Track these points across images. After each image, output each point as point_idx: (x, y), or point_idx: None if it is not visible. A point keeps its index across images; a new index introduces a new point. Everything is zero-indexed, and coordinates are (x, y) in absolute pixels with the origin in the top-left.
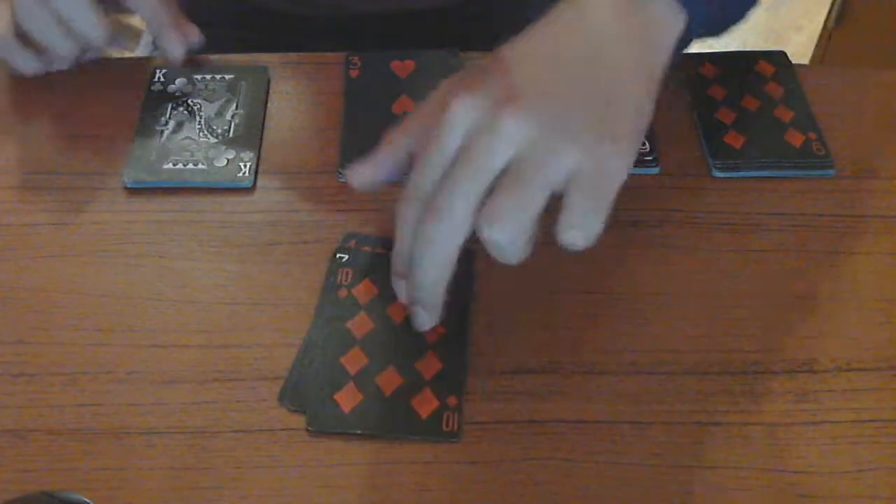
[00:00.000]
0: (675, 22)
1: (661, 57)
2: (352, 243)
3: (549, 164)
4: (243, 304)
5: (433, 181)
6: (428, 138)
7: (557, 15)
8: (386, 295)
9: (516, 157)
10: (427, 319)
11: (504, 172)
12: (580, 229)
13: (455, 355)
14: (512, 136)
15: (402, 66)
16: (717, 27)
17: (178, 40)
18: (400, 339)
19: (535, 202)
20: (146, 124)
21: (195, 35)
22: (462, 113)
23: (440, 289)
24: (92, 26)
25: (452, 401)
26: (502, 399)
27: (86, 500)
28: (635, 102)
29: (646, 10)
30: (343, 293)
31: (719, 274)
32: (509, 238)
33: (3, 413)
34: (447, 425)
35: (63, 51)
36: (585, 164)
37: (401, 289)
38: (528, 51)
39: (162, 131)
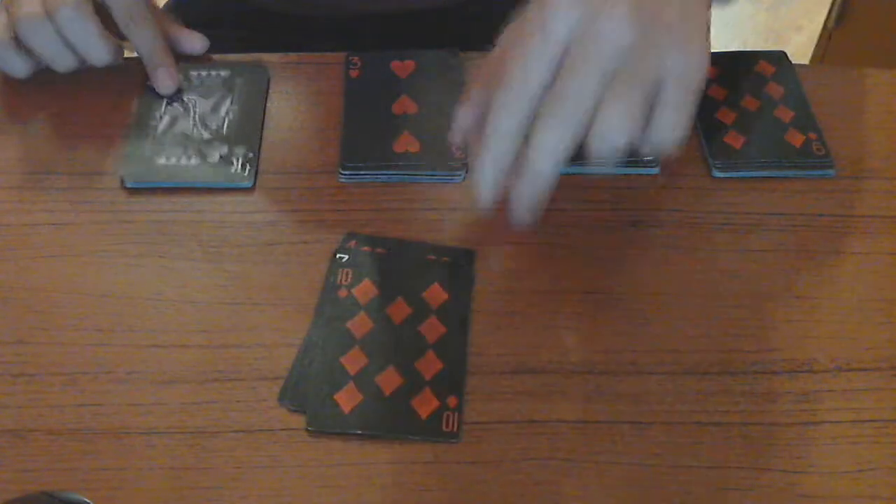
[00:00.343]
0: None
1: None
2: (351, 243)
3: (652, 62)
4: (243, 304)
5: (541, 70)
6: (529, 35)
7: None
8: (386, 295)
9: (621, 58)
10: (526, 213)
11: (614, 75)
12: (674, 128)
13: (455, 355)
14: (621, 32)
15: (402, 66)
16: None
17: (170, 79)
18: (400, 339)
19: (642, 102)
20: (141, 120)
21: (200, 43)
22: (565, 9)
23: (552, 176)
24: (98, 51)
25: (452, 401)
26: (502, 399)
27: (86, 500)
28: (702, 11)
29: None
30: (343, 293)
31: (719, 274)
32: (615, 142)
33: (3, 413)
34: (447, 425)
35: (63, 65)
36: (678, 61)
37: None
38: None
39: (156, 127)
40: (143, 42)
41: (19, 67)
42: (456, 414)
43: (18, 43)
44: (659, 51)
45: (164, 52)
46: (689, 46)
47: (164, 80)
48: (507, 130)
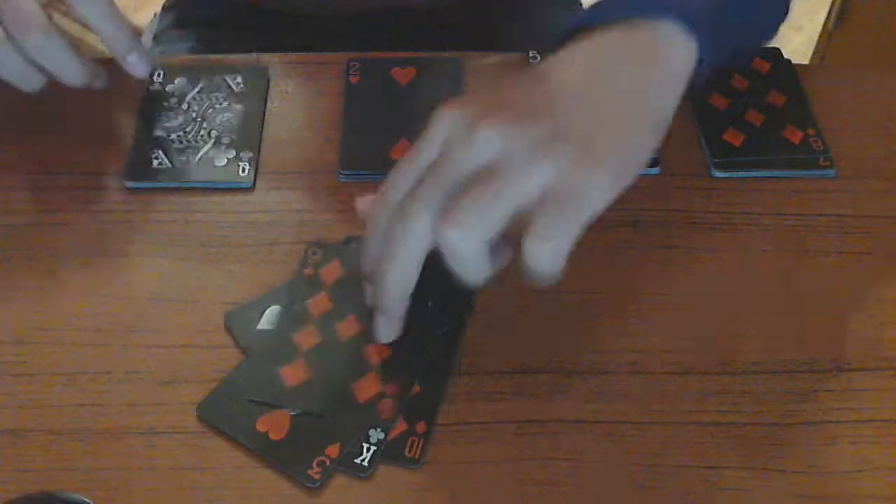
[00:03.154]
0: (687, 58)
1: (668, 97)
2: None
3: (518, 176)
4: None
5: (406, 187)
6: (419, 139)
7: (570, 48)
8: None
9: (486, 168)
10: (388, 330)
11: (473, 180)
12: (540, 246)
13: (435, 382)
14: (482, 146)
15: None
16: (732, 58)
17: (143, 63)
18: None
19: (497, 211)
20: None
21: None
22: (442, 122)
23: (403, 296)
24: (72, 71)
25: (421, 427)
26: (503, 399)
27: (86, 500)
28: (629, 137)
29: (656, 50)
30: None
31: (719, 274)
32: (465, 243)
33: (3, 413)
34: (410, 451)
35: (31, 87)
36: (558, 183)
37: (368, 294)
38: (530, 75)
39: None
40: (99, 19)
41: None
42: (421, 441)
43: None
44: (529, 167)
45: (128, 31)
46: (575, 171)
47: (137, 65)
48: (374, 241)
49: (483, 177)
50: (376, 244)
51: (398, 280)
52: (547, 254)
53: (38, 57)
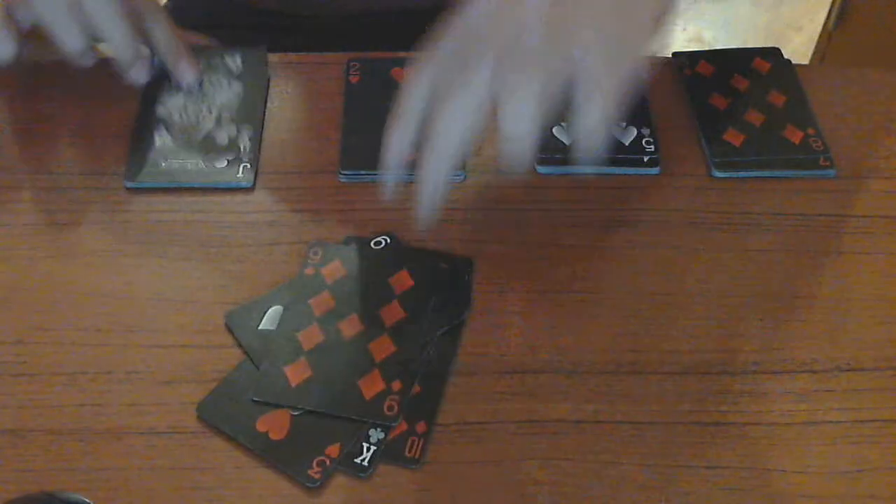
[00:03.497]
0: None
1: None
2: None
3: (562, 40)
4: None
5: (453, 51)
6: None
7: None
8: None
9: (529, 35)
10: (432, 203)
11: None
12: (594, 107)
13: (435, 382)
14: (527, 12)
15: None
16: None
17: (194, 69)
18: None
19: (550, 75)
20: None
21: (197, 39)
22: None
23: (461, 146)
24: (116, 30)
25: (421, 427)
26: (503, 399)
27: (86, 500)
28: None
29: None
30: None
31: (719, 274)
32: (523, 93)
33: (3, 413)
34: (410, 451)
35: (74, 44)
36: (600, 39)
37: (387, 189)
38: None
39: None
40: (159, 29)
41: (3, 49)
42: (421, 441)
43: (9, 20)
44: (570, 29)
45: (181, 42)
46: (613, 27)
47: (188, 70)
48: (403, 122)
49: (529, 44)
50: (410, 121)
51: (455, 137)
52: (600, 117)
53: (91, 8)
